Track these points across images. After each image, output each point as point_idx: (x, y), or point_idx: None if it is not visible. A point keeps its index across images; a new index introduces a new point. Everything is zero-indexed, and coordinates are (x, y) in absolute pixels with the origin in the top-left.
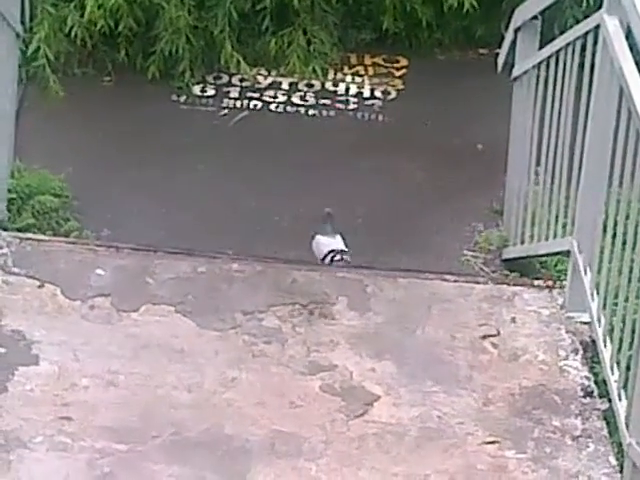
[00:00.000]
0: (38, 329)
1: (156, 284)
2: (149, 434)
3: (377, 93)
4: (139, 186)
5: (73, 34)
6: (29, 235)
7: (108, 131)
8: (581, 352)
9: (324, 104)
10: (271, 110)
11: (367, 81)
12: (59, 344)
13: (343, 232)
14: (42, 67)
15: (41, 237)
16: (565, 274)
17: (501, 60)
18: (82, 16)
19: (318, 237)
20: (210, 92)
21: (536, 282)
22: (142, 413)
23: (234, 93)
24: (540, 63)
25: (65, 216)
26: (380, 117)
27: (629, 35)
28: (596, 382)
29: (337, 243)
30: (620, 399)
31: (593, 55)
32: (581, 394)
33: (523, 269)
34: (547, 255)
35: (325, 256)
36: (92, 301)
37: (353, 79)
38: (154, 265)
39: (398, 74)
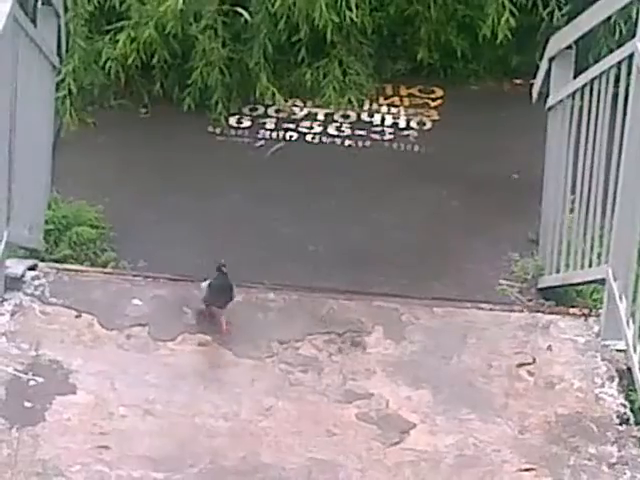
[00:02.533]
0: (75, 359)
1: (193, 313)
2: (186, 463)
3: (412, 124)
4: (175, 217)
5: (107, 67)
6: (66, 266)
7: (144, 162)
8: (617, 379)
9: (360, 135)
10: (307, 141)
11: (402, 112)
12: (96, 374)
13: (378, 260)
14: (61, 99)
15: (78, 267)
16: (601, 302)
17: (536, 90)
18: (115, 49)
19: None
20: (246, 123)
21: (572, 310)
22: (179, 442)
23: (270, 124)
24: (574, 92)
25: (102, 247)
26: (416, 147)
27: None
28: (632, 409)
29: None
30: None
31: (628, 84)
32: (617, 421)
33: (559, 298)
34: (583, 284)
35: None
36: (129, 330)
37: (389, 110)
38: (191, 295)
39: (433, 104)
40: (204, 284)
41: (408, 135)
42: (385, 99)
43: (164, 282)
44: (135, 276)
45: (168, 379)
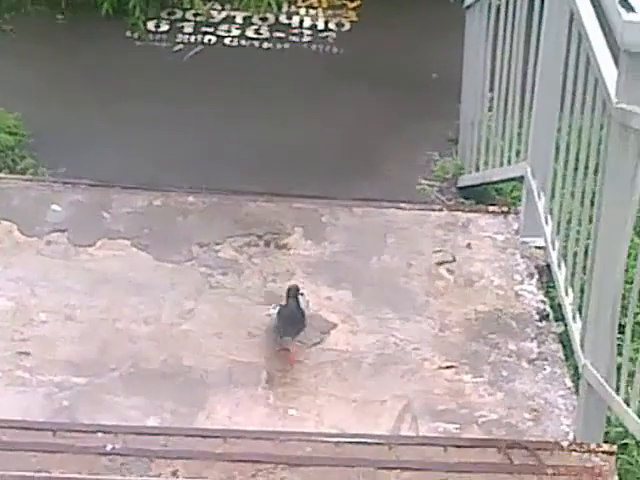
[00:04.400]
0: None
1: (112, 219)
2: (108, 367)
3: (331, 25)
4: (95, 123)
5: None
6: None
7: (63, 69)
8: (536, 276)
9: (278, 37)
10: (225, 44)
11: (321, 13)
12: (16, 280)
13: (298, 162)
14: None
15: None
16: (520, 200)
17: None
18: None
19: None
20: (164, 28)
21: (491, 208)
22: (100, 346)
23: (188, 28)
24: None
25: (20, 154)
26: (335, 49)
27: None
28: (551, 306)
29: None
30: (575, 321)
31: None
32: (537, 318)
33: (478, 196)
34: (502, 181)
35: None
36: (48, 237)
37: (307, 12)
38: (110, 200)
39: (352, 6)
40: (273, 311)
41: (327, 37)
42: (303, 1)
43: (83, 188)
44: (54, 182)
45: (88, 284)
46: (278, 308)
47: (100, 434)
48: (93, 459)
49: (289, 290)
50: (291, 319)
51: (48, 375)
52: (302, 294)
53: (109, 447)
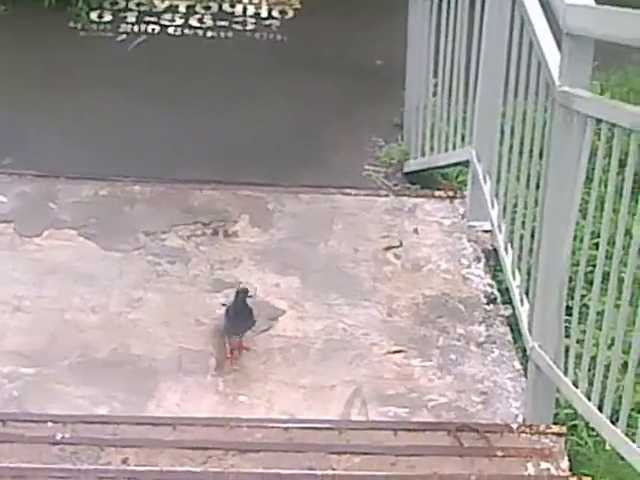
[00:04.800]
0: None
1: (59, 208)
2: (57, 357)
3: (274, 13)
4: (40, 114)
5: None
6: None
7: (8, 61)
8: (483, 260)
9: (222, 26)
10: (169, 34)
11: (264, 1)
12: None
13: (244, 151)
14: None
15: None
16: (466, 184)
17: None
18: None
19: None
20: (107, 18)
21: (437, 193)
22: (49, 337)
23: (131, 18)
24: None
25: None
26: (278, 36)
27: None
28: (499, 289)
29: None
30: (522, 304)
31: None
32: (484, 301)
33: (425, 182)
34: (447, 166)
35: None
36: None
37: (250, 0)
38: (56, 190)
39: None
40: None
41: (270, 24)
42: None
43: (30, 179)
44: (0, 173)
45: (36, 275)
46: (225, 308)
47: (50, 424)
48: (43, 448)
49: (237, 293)
50: (239, 317)
51: None
52: (251, 296)
53: (59, 436)
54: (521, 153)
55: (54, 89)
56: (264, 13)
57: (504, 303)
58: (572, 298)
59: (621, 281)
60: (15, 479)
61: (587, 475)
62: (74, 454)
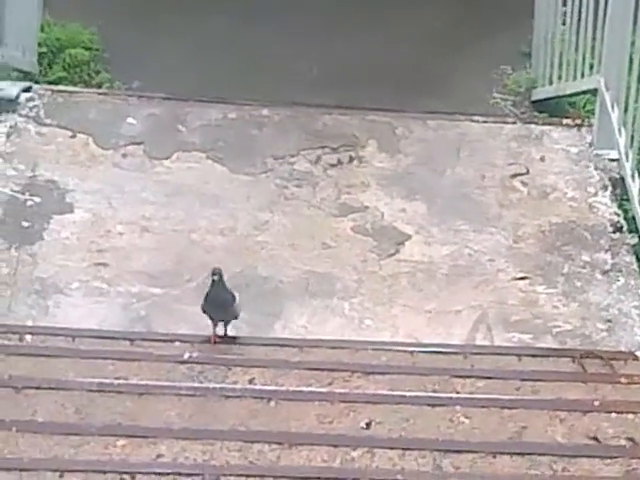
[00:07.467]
0: (72, 178)
1: (187, 131)
2: (184, 278)
3: None
4: (169, 37)
5: None
6: (60, 87)
7: None
8: (610, 189)
9: None
10: None
11: None
12: (93, 192)
13: (369, 78)
14: None
15: (72, 89)
16: (593, 113)
17: None
18: None
19: None
20: None
21: (564, 121)
22: (176, 257)
23: None
24: None
25: (96, 68)
26: None
27: None
28: (625, 218)
29: None
30: None
31: None
32: (611, 229)
33: (552, 110)
34: (575, 94)
35: None
36: (124, 149)
37: None
38: (185, 113)
39: None
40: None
41: None
42: None
43: (158, 101)
44: (130, 96)
45: (164, 196)
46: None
47: (177, 343)
48: (171, 367)
49: (213, 276)
50: (219, 302)
51: (125, 286)
52: (221, 276)
53: (187, 355)
54: None
55: (178, 13)
56: None
57: (630, 232)
58: None
59: None
60: (142, 396)
61: None
62: (201, 373)
